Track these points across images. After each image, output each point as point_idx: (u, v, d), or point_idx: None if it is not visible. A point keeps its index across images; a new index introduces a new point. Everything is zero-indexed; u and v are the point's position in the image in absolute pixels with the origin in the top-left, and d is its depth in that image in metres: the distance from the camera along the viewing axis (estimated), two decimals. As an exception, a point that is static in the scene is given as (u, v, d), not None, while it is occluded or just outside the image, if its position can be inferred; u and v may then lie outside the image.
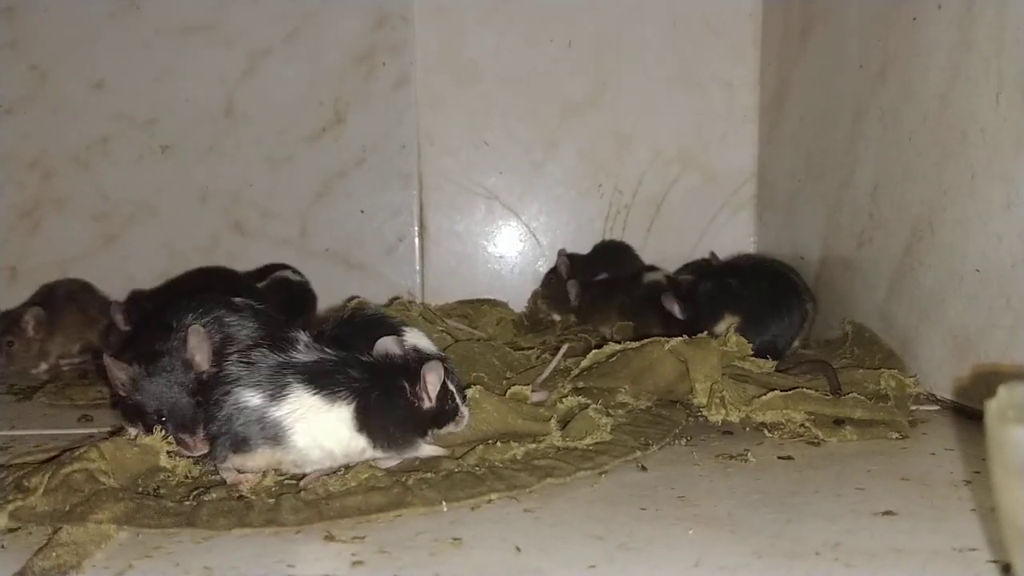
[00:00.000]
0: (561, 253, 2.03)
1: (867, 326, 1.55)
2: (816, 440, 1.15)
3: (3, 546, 0.84)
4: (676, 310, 1.54)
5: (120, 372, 1.04)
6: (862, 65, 1.60)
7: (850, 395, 1.21)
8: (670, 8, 2.16)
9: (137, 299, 1.80)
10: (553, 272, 2.04)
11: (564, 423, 1.13)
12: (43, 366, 1.83)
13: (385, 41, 2.10)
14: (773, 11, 2.10)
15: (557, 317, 1.99)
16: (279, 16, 2.07)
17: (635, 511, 0.90)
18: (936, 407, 1.31)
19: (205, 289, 1.65)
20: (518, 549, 0.80)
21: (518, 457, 1.03)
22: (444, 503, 0.90)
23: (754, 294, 1.53)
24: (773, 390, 1.22)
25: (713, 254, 2.00)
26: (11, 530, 0.87)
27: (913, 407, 1.26)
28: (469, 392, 1.11)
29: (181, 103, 2.07)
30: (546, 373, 1.35)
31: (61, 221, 2.08)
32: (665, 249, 2.16)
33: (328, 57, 2.09)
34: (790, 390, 1.21)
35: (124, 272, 1.96)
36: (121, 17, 2.05)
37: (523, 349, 1.53)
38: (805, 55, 1.90)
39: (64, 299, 1.90)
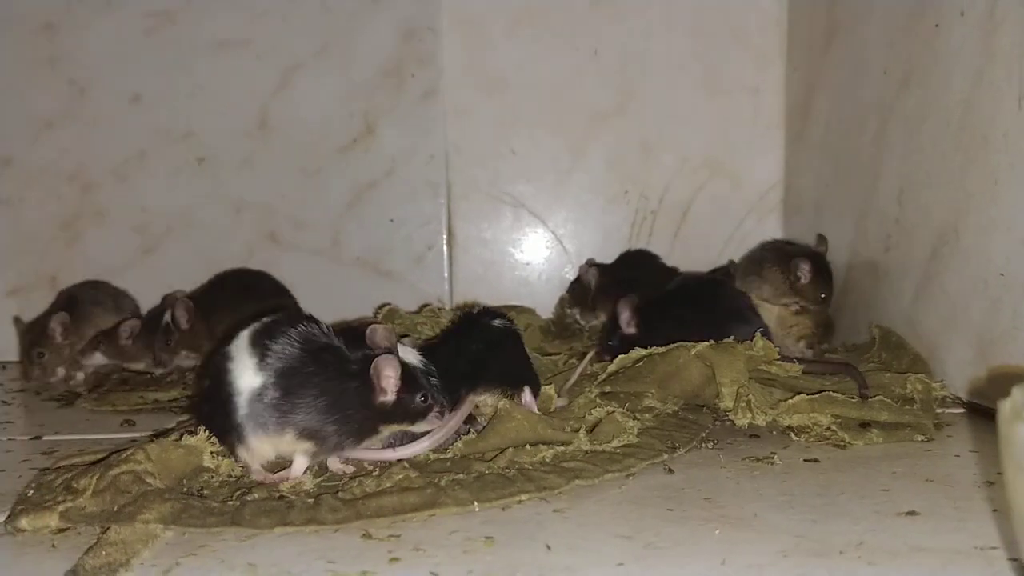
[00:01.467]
0: (588, 263, 2.03)
1: (894, 330, 1.56)
2: (842, 443, 1.16)
3: (54, 545, 0.86)
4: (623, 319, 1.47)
5: (394, 370, 1.00)
6: (886, 71, 1.61)
7: (876, 398, 1.22)
8: (695, 16, 2.18)
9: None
10: (578, 281, 2.05)
11: (592, 427, 1.15)
12: (60, 372, 1.84)
13: (413, 53, 2.14)
14: (798, 18, 2.11)
15: (583, 322, 2.00)
16: (310, 31, 2.11)
17: (662, 512, 0.91)
18: (962, 410, 1.32)
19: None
20: (548, 547, 0.82)
21: (547, 460, 1.05)
22: (476, 503, 0.92)
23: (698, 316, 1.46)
24: (800, 393, 1.23)
25: (732, 262, 2.00)
26: (61, 530, 0.89)
27: (939, 410, 1.27)
28: (500, 403, 1.13)
29: (216, 117, 2.12)
30: (572, 379, 1.37)
31: (101, 233, 2.12)
32: (692, 255, 2.17)
33: (358, 70, 2.13)
34: (816, 393, 1.22)
35: (163, 282, 1.99)
36: (157, 34, 2.10)
37: (551, 355, 1.55)
38: (830, 61, 1.92)
39: (90, 303, 1.93)
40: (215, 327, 1.76)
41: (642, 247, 2.16)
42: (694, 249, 2.20)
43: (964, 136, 1.33)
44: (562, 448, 1.08)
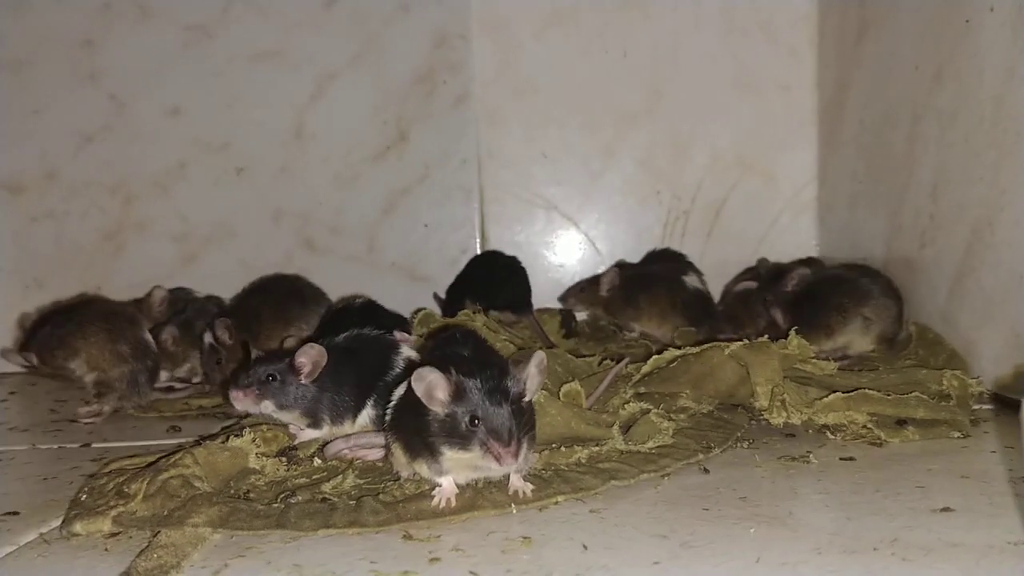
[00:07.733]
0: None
1: (930, 327, 1.55)
2: (878, 441, 1.16)
3: (107, 549, 0.89)
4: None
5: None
6: (918, 67, 1.61)
7: (912, 395, 1.22)
8: (725, 14, 2.18)
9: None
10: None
11: (626, 427, 1.16)
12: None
13: (445, 60, 2.16)
14: (829, 14, 2.11)
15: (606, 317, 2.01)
16: (343, 41, 2.15)
17: (698, 511, 0.92)
18: (998, 406, 1.31)
19: None
20: (585, 547, 0.83)
21: (582, 461, 1.06)
22: (513, 505, 0.94)
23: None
24: (835, 391, 1.23)
25: (763, 260, 2.00)
26: (113, 534, 0.92)
27: (976, 406, 1.26)
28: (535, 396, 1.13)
29: (253, 127, 2.16)
30: (599, 391, 1.34)
31: (143, 243, 2.17)
32: (726, 254, 2.17)
33: (391, 78, 2.16)
34: (852, 391, 1.22)
35: (204, 290, 2.01)
36: (194, 47, 2.14)
37: (584, 356, 1.56)
38: (862, 57, 1.91)
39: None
40: (259, 334, 1.78)
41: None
42: (728, 248, 2.20)
43: (997, 131, 1.32)
44: (597, 449, 1.09)
